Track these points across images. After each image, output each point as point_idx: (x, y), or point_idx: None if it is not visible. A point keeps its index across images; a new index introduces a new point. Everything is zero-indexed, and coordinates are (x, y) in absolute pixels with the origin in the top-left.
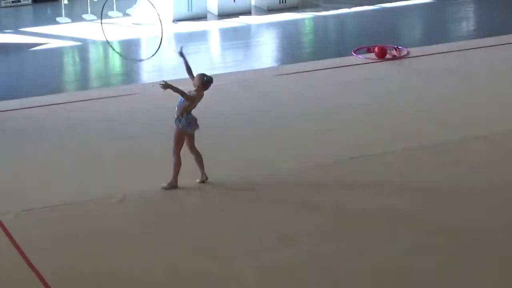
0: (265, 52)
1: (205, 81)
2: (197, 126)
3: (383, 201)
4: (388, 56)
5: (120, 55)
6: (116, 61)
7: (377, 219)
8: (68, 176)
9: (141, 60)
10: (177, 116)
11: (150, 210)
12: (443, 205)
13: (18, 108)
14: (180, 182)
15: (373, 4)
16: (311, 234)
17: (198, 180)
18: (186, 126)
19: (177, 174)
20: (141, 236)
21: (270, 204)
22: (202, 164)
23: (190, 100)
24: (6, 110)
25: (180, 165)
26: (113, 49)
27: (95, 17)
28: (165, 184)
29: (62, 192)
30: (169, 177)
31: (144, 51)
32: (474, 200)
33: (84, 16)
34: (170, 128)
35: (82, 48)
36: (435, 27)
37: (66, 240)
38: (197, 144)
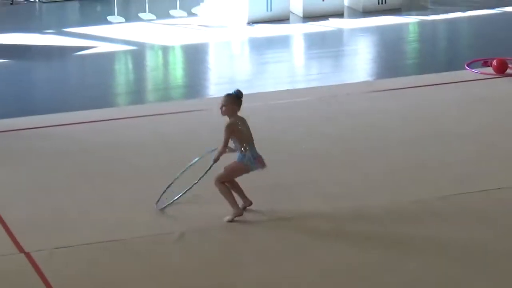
0: (359, 64)
1: (232, 96)
2: (264, 164)
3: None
4: (509, 71)
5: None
6: (178, 70)
7: (485, 267)
8: (116, 207)
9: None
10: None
11: (213, 250)
12: None
13: (60, 124)
14: (250, 216)
15: (493, 7)
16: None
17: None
18: (251, 162)
19: (234, 200)
20: (200, 283)
21: (358, 246)
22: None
23: (226, 136)
24: (45, 127)
25: (230, 190)
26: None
27: (154, 17)
28: (228, 217)
29: (107, 227)
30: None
31: (212, 58)
32: None
33: (140, 15)
34: None
35: (138, 53)
36: None
37: (110, 284)
38: (271, 172)
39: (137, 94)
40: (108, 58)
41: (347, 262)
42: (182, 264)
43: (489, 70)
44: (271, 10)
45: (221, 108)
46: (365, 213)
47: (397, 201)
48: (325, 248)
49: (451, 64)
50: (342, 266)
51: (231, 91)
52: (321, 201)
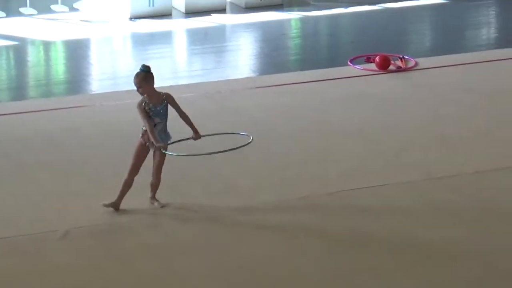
0: (242, 60)
1: (142, 74)
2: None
3: (377, 244)
4: (391, 67)
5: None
6: (59, 66)
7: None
8: None
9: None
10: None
11: (99, 247)
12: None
13: None
14: (134, 213)
15: (374, 3)
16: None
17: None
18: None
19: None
20: (87, 280)
21: (245, 242)
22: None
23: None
24: None
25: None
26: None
27: (35, 11)
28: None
29: None
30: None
31: (94, 54)
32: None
33: (21, 9)
34: (124, 148)
35: (19, 48)
36: (449, 33)
37: None
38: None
39: (19, 90)
40: None
41: (235, 258)
42: (68, 261)
43: (372, 66)
44: (153, 6)
45: (138, 90)
46: (251, 210)
47: (283, 198)
48: (212, 245)
49: (334, 60)
50: (230, 262)
51: (138, 69)
52: (206, 198)
